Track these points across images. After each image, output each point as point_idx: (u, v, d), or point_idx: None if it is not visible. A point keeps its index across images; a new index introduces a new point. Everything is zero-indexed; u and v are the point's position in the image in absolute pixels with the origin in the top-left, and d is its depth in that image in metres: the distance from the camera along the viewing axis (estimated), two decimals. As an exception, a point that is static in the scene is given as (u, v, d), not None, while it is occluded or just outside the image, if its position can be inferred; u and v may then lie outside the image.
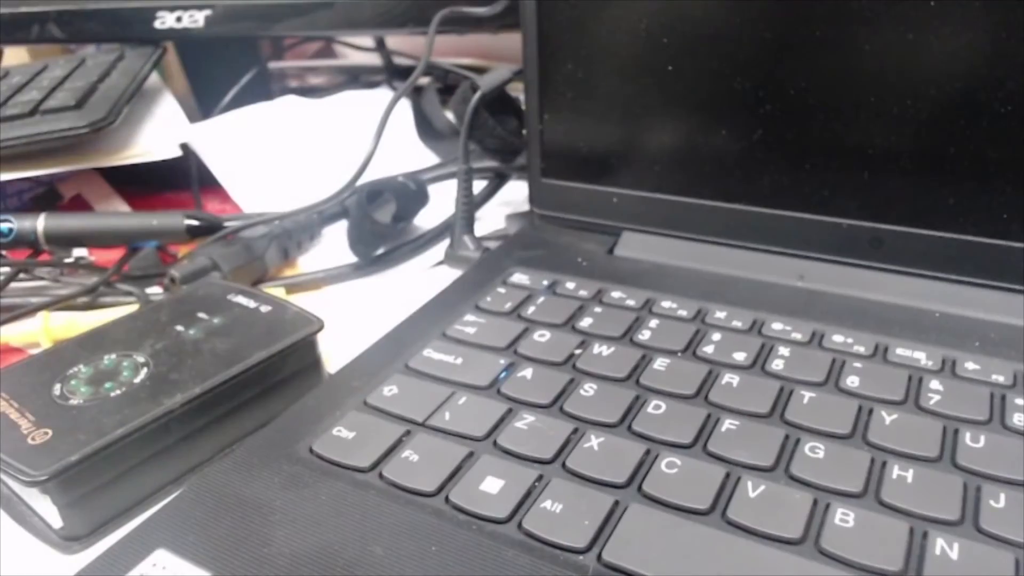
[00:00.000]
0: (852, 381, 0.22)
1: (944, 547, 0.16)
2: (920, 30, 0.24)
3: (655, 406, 0.21)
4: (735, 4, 0.26)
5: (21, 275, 0.35)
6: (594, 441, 0.20)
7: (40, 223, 0.34)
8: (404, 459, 0.20)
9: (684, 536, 0.17)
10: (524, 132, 0.35)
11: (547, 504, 0.18)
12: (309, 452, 0.20)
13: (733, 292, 0.27)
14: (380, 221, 0.35)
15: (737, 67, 0.27)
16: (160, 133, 0.43)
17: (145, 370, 0.23)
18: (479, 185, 0.40)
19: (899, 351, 0.23)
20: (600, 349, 0.24)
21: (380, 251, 0.36)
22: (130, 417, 0.21)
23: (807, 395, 0.21)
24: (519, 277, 0.29)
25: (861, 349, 0.23)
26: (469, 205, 0.35)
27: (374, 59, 0.64)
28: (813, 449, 0.19)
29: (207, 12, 0.47)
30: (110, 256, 0.37)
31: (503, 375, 0.23)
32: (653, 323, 0.25)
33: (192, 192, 0.44)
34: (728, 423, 0.20)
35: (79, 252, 0.37)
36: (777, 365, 0.23)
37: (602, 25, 0.29)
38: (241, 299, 0.27)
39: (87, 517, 0.21)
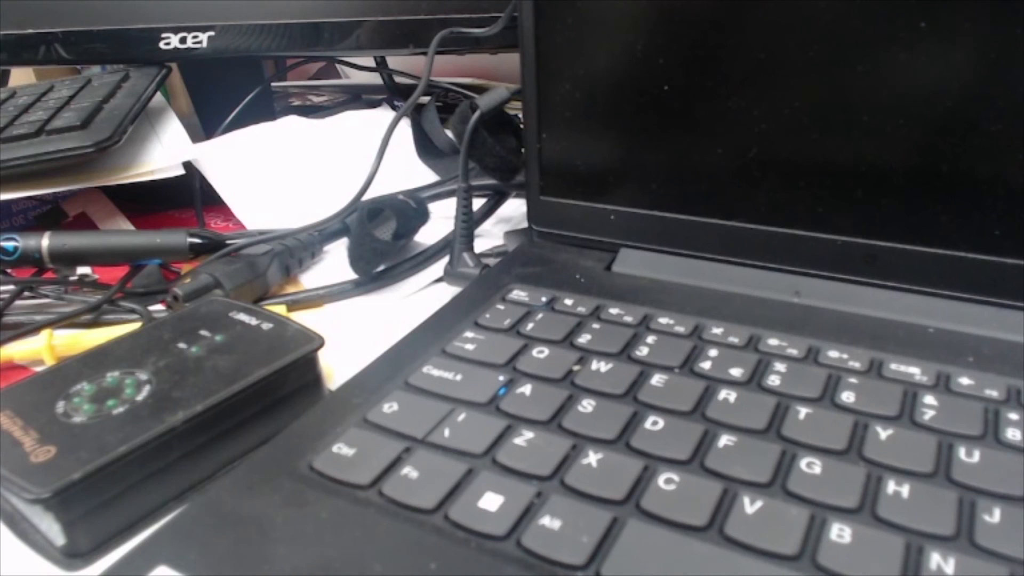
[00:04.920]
0: (847, 396, 0.22)
1: (939, 562, 0.17)
2: (912, 51, 0.24)
3: (653, 422, 0.21)
4: (730, 25, 0.27)
5: (25, 293, 0.35)
6: (592, 457, 0.20)
7: (44, 241, 0.35)
8: (404, 476, 0.20)
9: (682, 552, 0.17)
10: (523, 151, 0.35)
11: (546, 521, 0.18)
12: (309, 469, 0.20)
13: (729, 308, 0.27)
14: (380, 238, 0.36)
15: (732, 86, 0.27)
16: (164, 152, 0.44)
17: (148, 387, 0.24)
18: (478, 203, 0.40)
19: (893, 366, 0.23)
20: (598, 365, 0.24)
21: (380, 268, 0.37)
22: (133, 434, 0.21)
23: (803, 411, 0.21)
24: (518, 294, 0.29)
25: (856, 365, 0.23)
26: (468, 223, 0.35)
27: (375, 78, 0.65)
28: (809, 465, 0.19)
29: (210, 33, 0.47)
30: (114, 274, 0.37)
31: (502, 391, 0.23)
32: (650, 339, 0.25)
33: (195, 210, 0.45)
34: (725, 439, 0.21)
35: (83, 270, 0.38)
36: (773, 381, 0.23)
37: (599, 45, 0.30)
38: (243, 316, 0.28)
39: (89, 534, 0.21)
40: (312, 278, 0.38)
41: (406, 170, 0.47)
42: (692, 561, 0.17)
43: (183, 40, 0.47)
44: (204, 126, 0.55)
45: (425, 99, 0.48)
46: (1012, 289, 0.25)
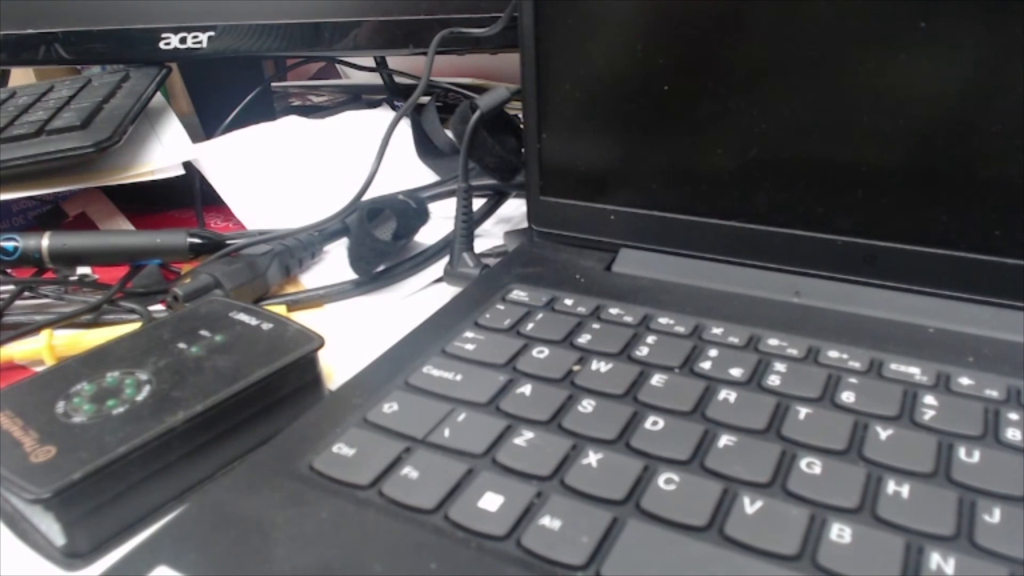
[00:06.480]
0: (847, 397, 0.22)
1: (940, 562, 0.17)
2: (911, 51, 0.24)
3: (653, 422, 0.21)
4: (730, 26, 0.27)
5: (26, 293, 0.35)
6: (592, 457, 0.20)
7: (44, 241, 0.35)
8: (404, 476, 0.20)
9: (682, 552, 0.17)
10: (523, 151, 0.35)
11: (546, 521, 0.18)
12: (309, 469, 0.20)
13: (729, 308, 0.27)
14: (381, 239, 0.36)
15: (732, 87, 0.27)
16: (164, 152, 0.44)
17: (148, 387, 0.24)
18: (478, 203, 0.40)
19: (893, 366, 0.23)
20: (598, 365, 0.24)
21: (380, 268, 0.37)
22: (133, 435, 0.21)
23: (803, 411, 0.21)
24: (518, 294, 0.29)
25: (856, 365, 0.23)
26: (468, 223, 0.35)
27: (375, 78, 0.65)
28: (809, 465, 0.19)
29: (210, 33, 0.47)
30: (114, 274, 0.37)
31: (502, 392, 0.23)
32: (650, 339, 0.25)
33: (195, 210, 0.45)
34: (725, 439, 0.21)
35: (83, 270, 0.38)
36: (773, 381, 0.23)
37: (599, 46, 0.30)
38: (243, 316, 0.28)
39: (89, 534, 0.21)
40: (312, 278, 0.38)
41: (406, 170, 0.47)
42: (692, 561, 0.17)
43: (183, 40, 0.47)
44: (204, 126, 0.55)
45: (425, 99, 0.48)
46: (1012, 289, 0.25)
